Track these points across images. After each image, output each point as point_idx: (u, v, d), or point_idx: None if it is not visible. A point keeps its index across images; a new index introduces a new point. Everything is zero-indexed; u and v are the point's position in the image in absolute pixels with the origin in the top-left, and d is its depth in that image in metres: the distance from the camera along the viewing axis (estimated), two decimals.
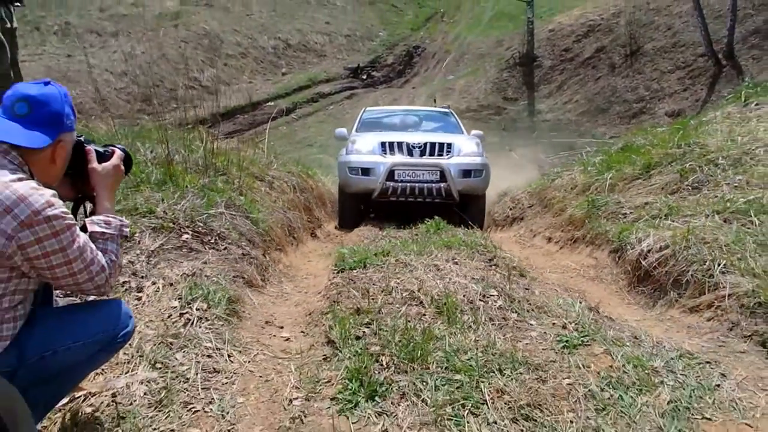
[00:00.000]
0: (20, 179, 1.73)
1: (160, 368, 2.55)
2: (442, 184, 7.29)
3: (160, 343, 2.69)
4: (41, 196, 1.72)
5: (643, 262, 4.01)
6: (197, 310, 3.00)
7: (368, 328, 2.93)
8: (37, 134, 1.81)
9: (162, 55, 25.43)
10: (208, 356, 2.70)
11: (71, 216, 1.81)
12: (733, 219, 4.01)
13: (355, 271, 4.00)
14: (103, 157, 2.05)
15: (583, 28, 23.61)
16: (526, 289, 3.50)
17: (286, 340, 3.11)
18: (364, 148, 7.84)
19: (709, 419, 2.31)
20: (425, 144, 7.64)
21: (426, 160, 7.48)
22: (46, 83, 1.88)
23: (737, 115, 6.33)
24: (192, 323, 2.89)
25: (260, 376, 2.66)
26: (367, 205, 8.34)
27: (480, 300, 3.21)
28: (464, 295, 3.25)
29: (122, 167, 2.10)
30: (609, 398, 2.35)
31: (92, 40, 26.00)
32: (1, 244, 1.67)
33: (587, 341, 2.75)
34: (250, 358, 2.80)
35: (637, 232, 4.30)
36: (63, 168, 1.96)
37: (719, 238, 3.76)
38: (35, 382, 1.92)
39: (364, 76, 28.49)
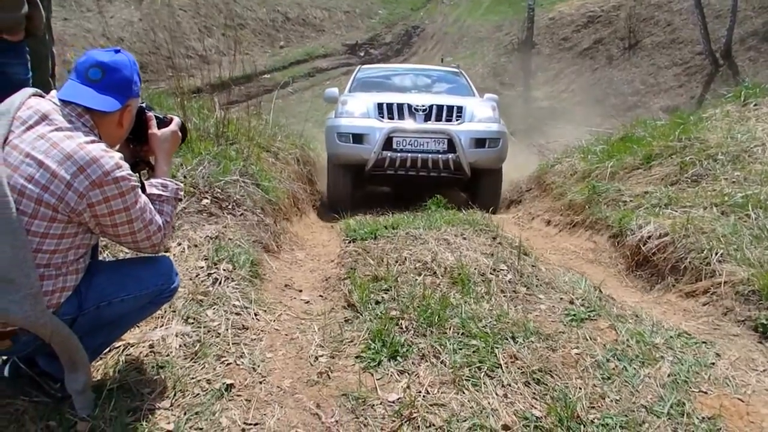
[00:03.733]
0: (93, 141, 1.87)
1: (193, 323, 2.69)
2: (450, 156, 6.31)
3: (191, 300, 2.83)
4: (111, 158, 1.85)
5: (643, 248, 4.19)
6: (224, 270, 3.14)
7: (386, 293, 3.10)
8: (109, 99, 1.94)
9: (159, 22, 25.21)
10: (237, 314, 2.85)
11: (136, 177, 1.95)
12: (731, 212, 4.18)
13: (367, 241, 4.16)
14: (162, 123, 2.19)
15: (583, 19, 23.66)
16: (533, 266, 3.67)
17: (307, 302, 3.26)
18: (356, 110, 6.70)
19: (705, 393, 2.48)
20: (431, 107, 6.58)
21: (431, 125, 6.46)
22: (117, 51, 2.01)
23: (736, 113, 6.48)
24: (219, 282, 3.03)
25: (286, 335, 2.82)
26: (361, 181, 7.15)
27: (491, 273, 3.38)
28: (476, 268, 3.42)
29: (179, 134, 2.24)
30: (614, 368, 2.52)
31: (89, 4, 25.69)
32: (74, 201, 1.81)
33: (593, 316, 2.93)
34: (275, 317, 2.95)
35: (638, 219, 4.47)
36: (127, 131, 2.10)
37: (717, 228, 3.94)
38: (89, 330, 2.06)
39: (362, 53, 28.37)
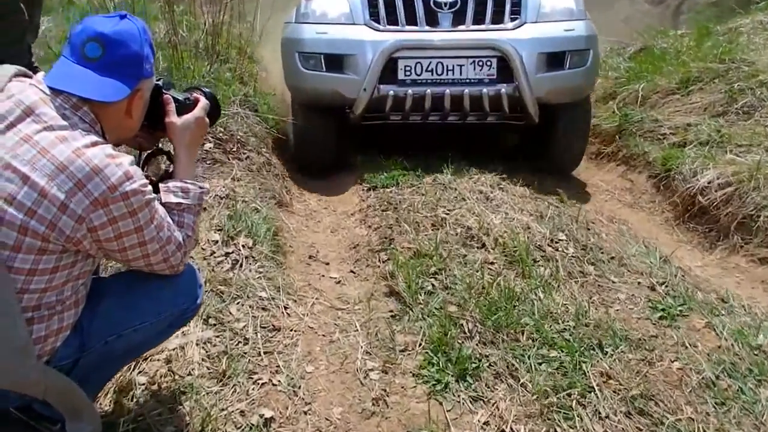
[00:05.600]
0: (94, 143, 1.36)
1: (215, 325, 2.22)
2: (503, 88, 3.81)
3: (210, 291, 2.33)
4: (118, 166, 1.35)
5: (701, 199, 3.73)
6: (243, 247, 2.63)
7: (436, 279, 2.62)
8: (112, 83, 1.42)
9: None
10: (263, 308, 2.37)
11: (150, 188, 1.45)
12: None
13: (389, 189, 3.63)
14: (183, 108, 1.62)
15: None
16: (588, 229, 3.21)
17: (338, 282, 2.78)
18: (330, 8, 3.98)
19: None
20: None
21: (467, 34, 3.86)
22: (122, 16, 1.45)
23: None
24: (240, 265, 2.54)
25: (323, 335, 2.35)
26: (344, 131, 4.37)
27: (549, 245, 2.91)
28: (529, 238, 2.94)
29: (206, 120, 1.69)
30: (727, 389, 2.11)
31: None
32: (70, 228, 1.32)
33: (684, 311, 2.50)
34: (307, 309, 2.48)
35: (692, 163, 3.98)
36: (139, 121, 1.57)
37: None
38: (94, 367, 1.60)
39: None
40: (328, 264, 2.96)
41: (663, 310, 2.50)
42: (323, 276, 2.83)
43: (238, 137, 3.69)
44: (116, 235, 1.38)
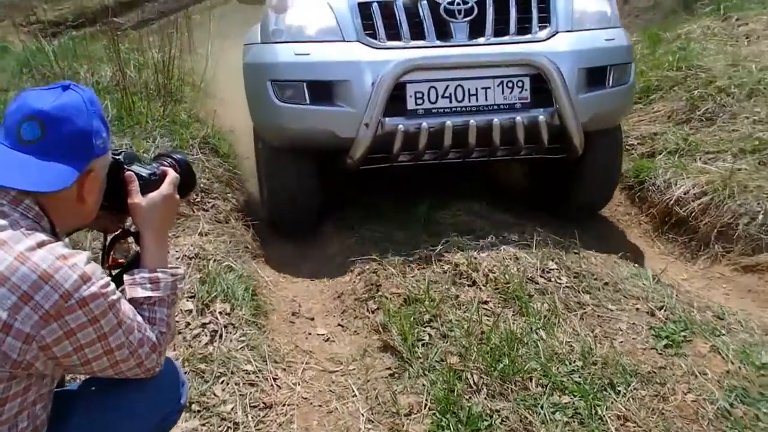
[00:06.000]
0: (41, 244, 1.15)
1: (199, 411, 2.04)
2: (540, 114, 3.13)
3: (189, 372, 2.14)
4: (72, 268, 1.15)
5: (679, 210, 3.70)
6: (220, 314, 2.44)
7: (431, 327, 2.48)
8: (57, 168, 1.21)
9: None
10: (251, 384, 2.19)
11: (113, 287, 1.24)
12: None
13: (367, 227, 3.48)
14: (149, 184, 1.42)
15: None
16: (576, 253, 3.11)
17: (327, 340, 2.61)
18: (311, 21, 3.16)
19: None
20: (482, 2, 3.12)
21: (490, 48, 3.13)
22: (65, 87, 1.25)
23: (722, 31, 5.96)
24: (220, 336, 2.35)
25: (319, 406, 2.19)
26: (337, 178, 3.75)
27: (541, 276, 2.80)
28: (519, 270, 2.83)
29: (176, 196, 1.47)
30: (743, 417, 2.03)
31: None
32: (16, 351, 1.11)
33: (688, 336, 2.42)
34: (298, 377, 2.30)
35: (665, 173, 3.95)
36: (96, 205, 1.36)
37: (764, 185, 3.48)
38: None
39: None
40: (313, 319, 2.79)
41: (667, 337, 2.41)
42: (310, 334, 2.66)
43: (201, 185, 3.50)
44: (76, 348, 1.18)
